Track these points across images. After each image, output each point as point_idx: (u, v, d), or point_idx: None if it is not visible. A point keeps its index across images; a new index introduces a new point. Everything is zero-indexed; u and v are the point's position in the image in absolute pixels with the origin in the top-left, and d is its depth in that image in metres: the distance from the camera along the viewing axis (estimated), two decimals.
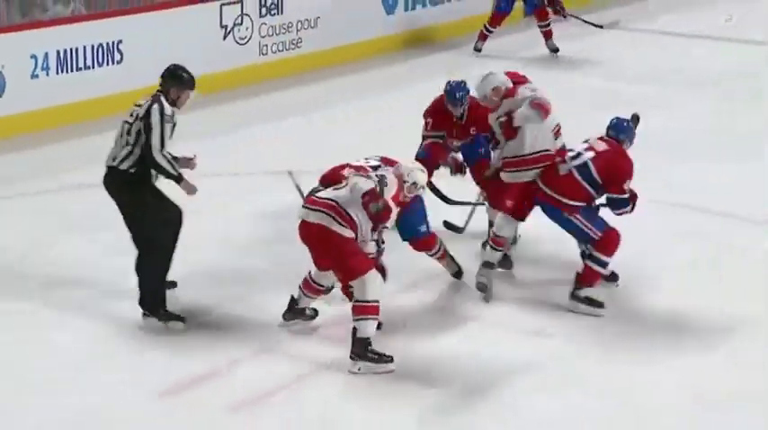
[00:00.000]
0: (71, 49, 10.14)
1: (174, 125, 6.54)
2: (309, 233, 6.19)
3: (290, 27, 11.83)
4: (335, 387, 6.13)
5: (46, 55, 10.10)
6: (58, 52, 10.17)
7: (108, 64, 10.21)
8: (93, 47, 10.12)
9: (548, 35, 12.55)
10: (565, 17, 12.67)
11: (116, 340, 6.55)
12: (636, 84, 11.52)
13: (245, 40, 11.60)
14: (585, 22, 13.09)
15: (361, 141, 8.22)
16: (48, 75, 10.00)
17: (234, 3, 11.46)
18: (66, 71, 10.09)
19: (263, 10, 11.65)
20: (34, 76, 10.00)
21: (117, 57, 10.21)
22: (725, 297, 6.88)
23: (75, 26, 10.45)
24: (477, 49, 12.79)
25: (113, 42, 10.21)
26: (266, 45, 11.68)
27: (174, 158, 6.49)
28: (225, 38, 11.41)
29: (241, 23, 11.53)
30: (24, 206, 8.35)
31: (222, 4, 11.36)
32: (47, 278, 7.20)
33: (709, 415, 5.62)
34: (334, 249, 6.18)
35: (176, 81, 6.67)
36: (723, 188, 8.50)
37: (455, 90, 7.39)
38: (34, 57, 9.97)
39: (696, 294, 7.03)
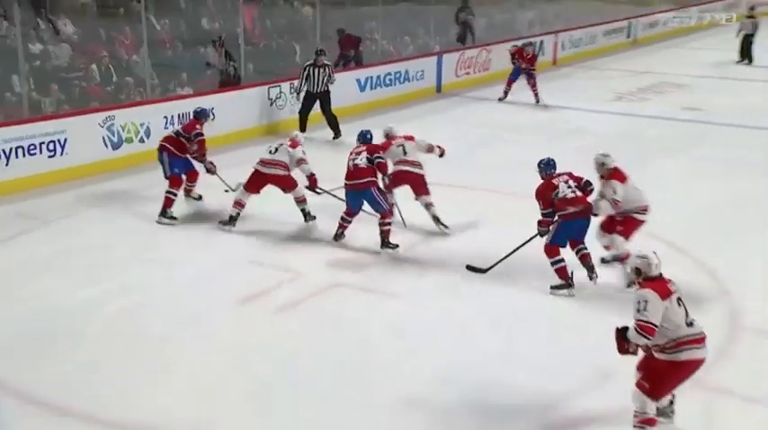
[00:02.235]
0: (186, 113, 10.48)
1: None
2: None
3: None
4: (349, 297, 6.63)
5: (171, 116, 10.73)
6: (179, 115, 10.79)
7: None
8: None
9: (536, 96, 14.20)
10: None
11: (216, 268, 7.18)
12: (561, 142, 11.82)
13: (282, 106, 12.49)
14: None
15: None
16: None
17: (275, 86, 12.40)
18: None
19: (292, 89, 12.38)
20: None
21: (212, 117, 10.01)
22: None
23: (186, 100, 11.14)
24: (501, 99, 14.17)
25: (209, 109, 9.79)
26: (294, 109, 12.29)
27: None
28: (271, 105, 12.32)
29: (279, 97, 12.46)
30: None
31: (269, 87, 12.42)
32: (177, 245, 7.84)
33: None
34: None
35: None
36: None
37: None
38: (165, 117, 10.84)
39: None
